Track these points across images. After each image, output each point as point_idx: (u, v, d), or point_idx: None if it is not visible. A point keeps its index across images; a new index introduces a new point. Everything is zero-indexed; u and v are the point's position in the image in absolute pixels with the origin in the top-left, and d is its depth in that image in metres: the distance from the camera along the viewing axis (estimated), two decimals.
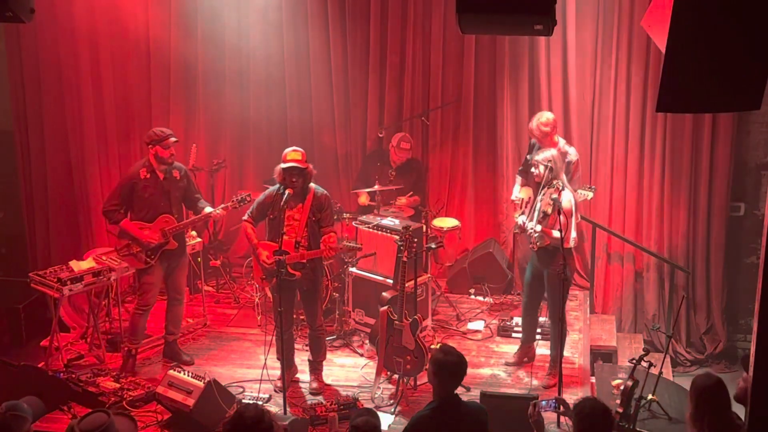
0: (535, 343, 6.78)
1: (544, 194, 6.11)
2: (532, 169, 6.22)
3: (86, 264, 6.81)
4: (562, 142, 7.06)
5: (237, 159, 8.62)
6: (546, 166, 6.09)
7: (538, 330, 6.84)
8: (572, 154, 6.98)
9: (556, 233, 5.92)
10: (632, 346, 7.48)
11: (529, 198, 6.42)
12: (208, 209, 6.60)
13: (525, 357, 6.77)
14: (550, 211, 6.01)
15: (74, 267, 6.68)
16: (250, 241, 6.27)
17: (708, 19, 3.20)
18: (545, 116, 6.93)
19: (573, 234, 6.09)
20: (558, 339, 6.29)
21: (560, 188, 6.08)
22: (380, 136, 8.11)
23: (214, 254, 8.08)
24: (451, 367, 4.47)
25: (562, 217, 5.82)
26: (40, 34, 7.75)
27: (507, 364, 6.76)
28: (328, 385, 6.46)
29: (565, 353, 6.42)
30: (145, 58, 8.31)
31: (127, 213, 6.45)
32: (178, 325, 6.88)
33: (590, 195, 6.98)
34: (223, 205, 6.64)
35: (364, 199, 7.58)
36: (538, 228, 6.05)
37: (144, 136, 6.51)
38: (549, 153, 6.18)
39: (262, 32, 8.16)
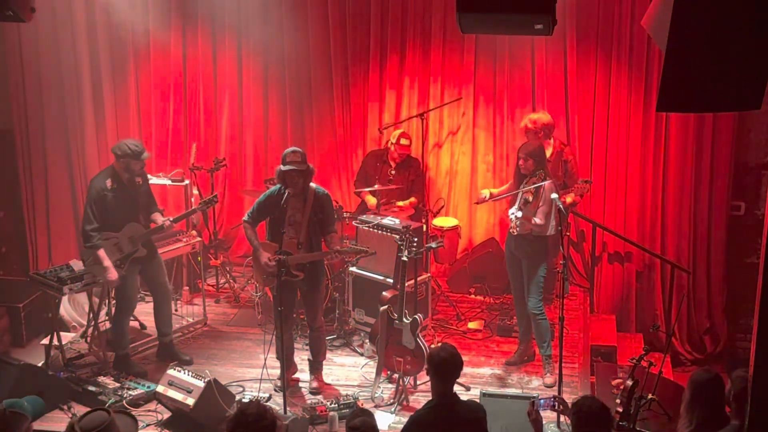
0: (532, 338, 6.76)
1: (526, 183, 6.29)
2: (520, 162, 6.34)
3: None
4: (558, 141, 7.10)
5: (237, 158, 8.62)
6: (533, 159, 6.25)
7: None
8: (568, 153, 7.03)
9: (535, 220, 6.20)
10: (632, 346, 7.47)
11: (499, 192, 6.71)
12: (160, 219, 6.54)
13: (525, 356, 6.77)
14: (531, 198, 6.23)
15: (74, 266, 6.68)
16: (251, 243, 6.25)
17: (708, 19, 3.20)
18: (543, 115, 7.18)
19: (552, 222, 6.24)
20: (543, 335, 6.42)
21: (543, 178, 6.24)
22: (380, 135, 8.11)
23: (214, 253, 8.08)
24: (445, 364, 4.48)
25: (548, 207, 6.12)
26: (41, 34, 7.76)
27: (507, 363, 6.76)
28: (328, 384, 6.46)
29: (565, 352, 6.41)
30: (145, 57, 8.32)
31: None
32: (170, 325, 6.88)
33: (587, 188, 7.03)
34: (169, 218, 6.60)
35: (373, 201, 7.54)
36: (519, 214, 6.25)
37: (115, 148, 6.34)
38: (533, 146, 6.35)
39: (261, 30, 8.16)
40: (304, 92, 8.34)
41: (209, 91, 8.46)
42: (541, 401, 4.66)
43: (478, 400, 5.48)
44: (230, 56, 8.33)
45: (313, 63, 8.21)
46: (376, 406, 6.08)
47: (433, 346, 6.66)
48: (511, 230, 6.44)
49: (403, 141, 7.55)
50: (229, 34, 8.25)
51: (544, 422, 4.66)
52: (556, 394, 5.71)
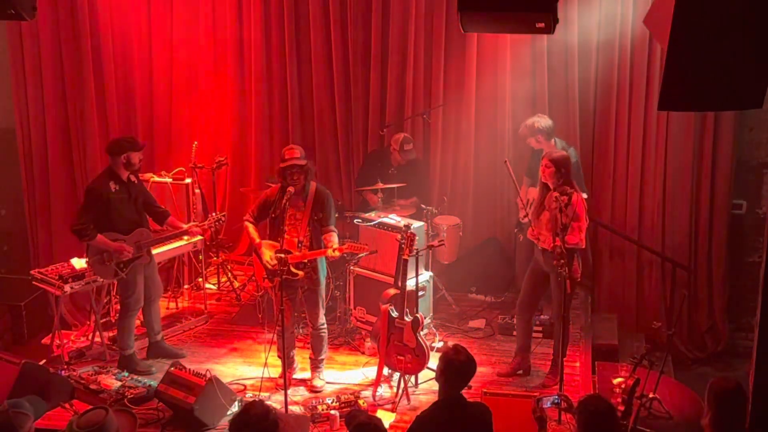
0: (530, 352, 6.63)
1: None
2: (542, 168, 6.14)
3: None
4: (561, 143, 7.04)
5: (238, 157, 8.63)
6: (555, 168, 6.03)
7: (540, 328, 6.85)
8: (573, 155, 6.99)
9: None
10: (633, 345, 7.48)
11: (533, 199, 6.44)
12: (182, 225, 6.70)
13: (519, 370, 6.57)
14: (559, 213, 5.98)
15: (76, 264, 6.68)
16: (252, 241, 6.27)
17: (710, 18, 3.20)
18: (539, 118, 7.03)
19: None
20: (560, 338, 6.30)
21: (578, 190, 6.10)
22: (382, 134, 8.10)
23: (215, 252, 8.08)
24: (459, 367, 4.47)
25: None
26: (43, 32, 7.75)
27: (499, 375, 6.56)
28: (330, 383, 6.46)
29: (566, 351, 6.41)
30: (147, 55, 8.32)
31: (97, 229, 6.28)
32: (159, 322, 6.88)
33: (585, 195, 7.00)
34: (195, 223, 6.78)
35: (375, 200, 7.51)
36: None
37: (112, 145, 6.38)
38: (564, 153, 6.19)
39: (263, 29, 8.16)
40: (305, 91, 8.33)
41: (211, 88, 8.46)
42: (545, 399, 4.66)
43: (479, 399, 5.47)
44: (232, 54, 8.33)
45: (315, 61, 8.20)
46: (376, 405, 6.08)
47: (433, 344, 6.67)
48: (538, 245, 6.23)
49: (407, 147, 7.51)
50: (231, 31, 8.25)
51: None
52: (560, 392, 5.70)
